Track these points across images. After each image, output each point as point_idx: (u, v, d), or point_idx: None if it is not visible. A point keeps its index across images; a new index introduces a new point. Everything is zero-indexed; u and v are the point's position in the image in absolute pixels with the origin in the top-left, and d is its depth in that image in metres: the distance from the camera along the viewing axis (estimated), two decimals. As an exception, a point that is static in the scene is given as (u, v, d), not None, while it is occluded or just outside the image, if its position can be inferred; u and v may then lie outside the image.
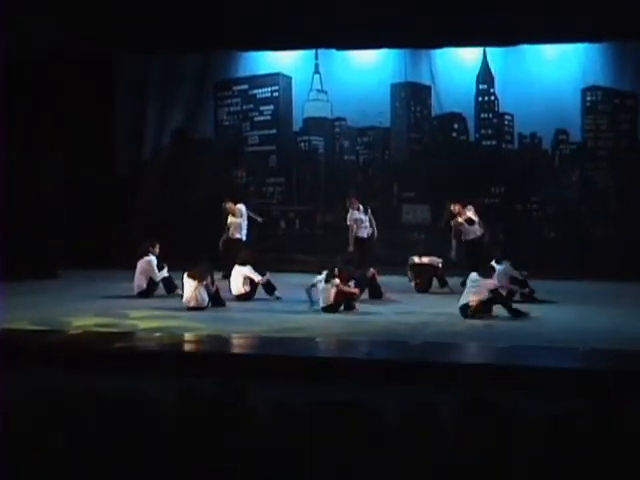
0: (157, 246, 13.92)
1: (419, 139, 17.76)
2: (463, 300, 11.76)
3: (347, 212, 15.36)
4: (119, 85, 18.31)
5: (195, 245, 15.04)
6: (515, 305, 11.88)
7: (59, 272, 15.80)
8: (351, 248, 15.08)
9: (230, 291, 13.40)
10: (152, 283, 13.71)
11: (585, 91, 16.84)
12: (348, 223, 15.26)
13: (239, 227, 15.69)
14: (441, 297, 13.68)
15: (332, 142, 18.07)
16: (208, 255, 13.30)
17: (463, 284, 12.27)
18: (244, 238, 15.71)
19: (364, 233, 15.27)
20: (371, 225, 15.33)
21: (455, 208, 14.79)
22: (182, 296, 12.62)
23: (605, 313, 11.97)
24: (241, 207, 15.87)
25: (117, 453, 4.22)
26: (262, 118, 18.29)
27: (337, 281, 12.30)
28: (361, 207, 15.33)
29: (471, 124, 17.39)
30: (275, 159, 18.33)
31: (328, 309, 12.22)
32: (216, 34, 16.38)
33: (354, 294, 12.48)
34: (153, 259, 13.76)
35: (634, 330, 10.53)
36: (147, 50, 17.61)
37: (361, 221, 15.28)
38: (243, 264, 13.49)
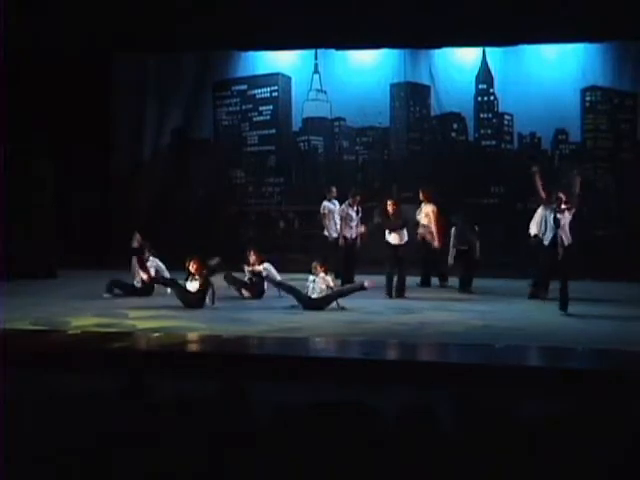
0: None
1: (418, 139, 17.77)
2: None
3: (341, 203, 15.39)
4: (118, 85, 18.30)
5: (194, 245, 15.01)
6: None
7: (58, 272, 15.80)
8: (331, 233, 15.25)
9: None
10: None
11: (584, 91, 16.85)
12: (339, 214, 15.28)
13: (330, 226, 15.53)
14: (440, 297, 13.68)
15: (331, 142, 18.07)
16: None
17: None
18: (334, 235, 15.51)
19: (349, 233, 15.22)
20: (357, 227, 15.31)
21: (421, 196, 14.82)
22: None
23: (605, 313, 11.97)
24: (327, 204, 15.64)
25: (116, 453, 4.21)
26: (261, 118, 18.29)
27: (322, 274, 12.48)
28: (356, 208, 15.36)
29: (470, 124, 17.40)
30: (274, 159, 18.34)
31: (319, 302, 12.30)
32: (215, 34, 16.38)
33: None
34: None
35: (634, 330, 10.53)
36: (146, 50, 17.62)
37: (351, 219, 15.22)
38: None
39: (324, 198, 15.66)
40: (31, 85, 15.72)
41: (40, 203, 15.85)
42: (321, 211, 15.49)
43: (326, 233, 15.39)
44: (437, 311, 12.32)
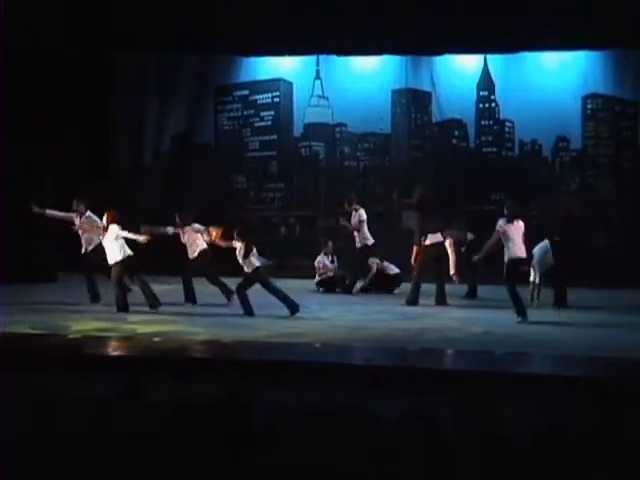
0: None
1: (420, 145, 17.78)
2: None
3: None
4: (119, 90, 18.30)
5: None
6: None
7: (58, 276, 15.80)
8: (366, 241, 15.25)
9: None
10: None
11: (586, 98, 16.87)
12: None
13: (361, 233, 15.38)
14: (440, 304, 13.68)
15: (333, 148, 18.09)
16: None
17: None
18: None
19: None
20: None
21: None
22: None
23: (605, 320, 11.97)
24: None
25: (115, 457, 4.22)
26: (263, 124, 18.31)
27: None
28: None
29: (472, 131, 17.41)
30: (276, 165, 18.35)
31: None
32: (217, 39, 16.40)
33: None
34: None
35: (634, 338, 10.53)
36: (147, 55, 17.63)
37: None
38: None
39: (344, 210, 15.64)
40: (30, 92, 15.69)
41: (40, 204, 15.83)
42: (362, 219, 15.32)
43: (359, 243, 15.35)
44: (437, 317, 12.34)
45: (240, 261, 12.34)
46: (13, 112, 14.66)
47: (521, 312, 11.80)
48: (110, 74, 18.02)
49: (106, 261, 12.67)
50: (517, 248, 11.98)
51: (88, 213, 13.59)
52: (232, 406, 4.68)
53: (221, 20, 15.96)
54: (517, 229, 12.10)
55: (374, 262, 15.33)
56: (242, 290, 12.38)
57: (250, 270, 12.34)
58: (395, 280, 15.30)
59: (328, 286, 15.41)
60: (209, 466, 4.14)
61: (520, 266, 12.17)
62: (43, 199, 15.87)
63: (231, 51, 17.52)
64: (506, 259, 11.93)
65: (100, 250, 12.99)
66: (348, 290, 15.08)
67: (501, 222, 12.09)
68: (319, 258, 15.63)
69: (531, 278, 13.14)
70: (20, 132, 15.23)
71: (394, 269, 15.38)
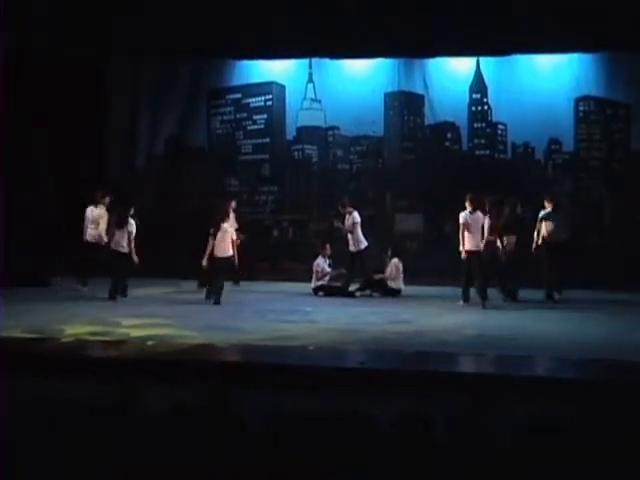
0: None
1: (412, 148, 17.79)
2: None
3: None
4: (113, 94, 18.28)
5: (188, 253, 14.99)
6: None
7: (52, 280, 15.75)
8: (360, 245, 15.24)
9: None
10: None
11: (578, 101, 16.89)
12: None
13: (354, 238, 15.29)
14: (435, 307, 13.69)
15: (325, 151, 18.09)
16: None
17: None
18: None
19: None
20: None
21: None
22: None
23: (598, 322, 11.99)
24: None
25: (108, 462, 4.20)
26: (255, 127, 18.31)
27: None
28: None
29: (464, 133, 17.42)
30: (268, 168, 18.35)
31: None
32: (210, 43, 16.38)
33: None
34: None
35: (627, 340, 10.54)
36: (141, 58, 17.60)
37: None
38: None
39: (338, 213, 15.60)
40: (30, 85, 15.66)
41: (34, 211, 15.80)
42: (356, 221, 15.33)
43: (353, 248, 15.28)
44: (431, 320, 12.33)
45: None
46: (13, 112, 14.63)
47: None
48: (105, 82, 17.99)
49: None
50: (471, 240, 13.57)
51: None
52: (224, 409, 4.67)
53: (215, 24, 15.93)
54: (476, 221, 13.64)
55: (396, 263, 15.29)
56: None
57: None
58: (393, 292, 15.21)
59: (327, 290, 15.28)
60: (202, 469, 4.13)
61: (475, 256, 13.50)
62: (43, 199, 15.87)
63: (224, 54, 17.49)
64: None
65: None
66: (344, 293, 15.03)
67: (462, 215, 13.65)
68: (318, 261, 15.50)
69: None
70: (20, 132, 15.21)
71: (400, 284, 15.31)
